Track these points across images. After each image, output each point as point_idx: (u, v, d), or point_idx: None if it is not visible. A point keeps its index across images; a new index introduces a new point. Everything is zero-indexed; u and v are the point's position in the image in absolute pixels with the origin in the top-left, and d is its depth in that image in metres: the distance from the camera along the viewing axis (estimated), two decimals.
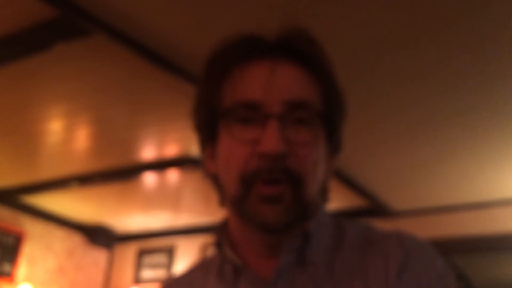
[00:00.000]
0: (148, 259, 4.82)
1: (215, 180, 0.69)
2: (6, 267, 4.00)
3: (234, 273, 0.66)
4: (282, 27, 0.67)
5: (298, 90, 0.64)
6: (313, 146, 0.63)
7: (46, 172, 3.59)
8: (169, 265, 4.66)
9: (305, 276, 0.63)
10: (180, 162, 3.26)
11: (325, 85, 0.66)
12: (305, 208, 0.63)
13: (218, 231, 0.70)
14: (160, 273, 4.66)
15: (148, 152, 3.24)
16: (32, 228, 4.29)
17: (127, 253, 4.96)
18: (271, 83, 0.63)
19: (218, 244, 0.69)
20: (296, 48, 0.65)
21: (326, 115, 0.65)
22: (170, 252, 4.72)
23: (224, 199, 0.69)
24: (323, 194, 0.69)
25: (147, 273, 4.75)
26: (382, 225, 0.72)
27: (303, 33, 0.67)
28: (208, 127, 0.67)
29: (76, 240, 4.69)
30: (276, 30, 0.67)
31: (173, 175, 3.58)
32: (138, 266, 4.83)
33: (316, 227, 0.66)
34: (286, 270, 0.63)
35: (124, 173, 3.50)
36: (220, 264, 0.69)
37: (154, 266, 4.75)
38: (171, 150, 3.19)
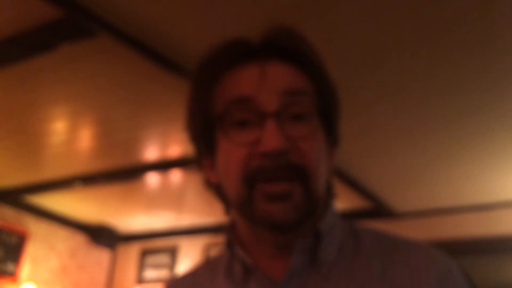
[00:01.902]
0: (151, 259, 4.82)
1: (218, 190, 0.68)
2: (10, 267, 4.01)
3: (244, 273, 0.65)
4: (268, 28, 0.67)
5: (291, 81, 0.64)
6: (313, 139, 0.63)
7: (50, 172, 3.60)
8: (172, 265, 4.67)
9: (318, 277, 0.62)
10: (183, 162, 3.27)
11: (317, 78, 0.66)
12: (315, 203, 0.62)
13: (228, 230, 0.69)
14: (163, 273, 4.67)
15: (151, 153, 3.24)
16: (36, 228, 4.30)
17: (130, 253, 4.96)
18: (263, 78, 0.62)
19: (229, 244, 0.68)
20: (283, 47, 0.65)
21: (322, 106, 0.65)
22: (173, 252, 4.72)
23: (229, 208, 0.69)
24: (329, 190, 0.69)
25: (150, 273, 4.76)
26: (385, 226, 0.73)
27: (288, 31, 0.67)
28: (204, 137, 0.67)
29: (79, 240, 4.70)
30: (262, 32, 0.67)
31: (176, 175, 3.59)
32: (141, 266, 4.84)
33: (327, 227, 0.65)
34: (298, 271, 0.62)
35: (127, 173, 3.51)
36: (229, 263, 0.68)
37: (157, 266, 4.76)
38: (174, 151, 3.20)
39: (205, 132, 0.66)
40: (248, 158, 0.60)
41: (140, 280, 4.76)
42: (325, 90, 0.67)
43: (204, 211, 4.17)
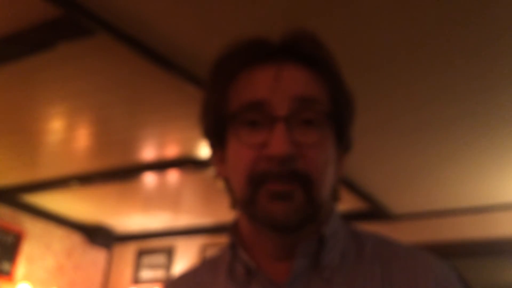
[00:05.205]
0: (147, 260, 4.82)
1: (227, 183, 0.69)
2: (5, 266, 4.00)
3: (246, 275, 0.65)
4: (287, 29, 0.67)
5: (305, 88, 0.63)
6: (321, 147, 0.63)
7: (46, 171, 3.59)
8: (168, 265, 4.66)
9: (320, 281, 0.62)
10: (180, 163, 3.27)
11: (332, 85, 0.66)
12: (317, 209, 0.63)
13: (231, 231, 0.69)
14: (159, 274, 4.66)
15: (148, 153, 3.24)
16: (32, 227, 4.29)
17: (126, 253, 4.96)
18: (277, 82, 0.62)
19: (232, 245, 0.68)
20: (301, 50, 0.65)
21: (334, 114, 0.65)
22: (169, 253, 4.71)
23: (235, 203, 0.69)
24: (334, 194, 0.70)
25: (146, 274, 4.75)
26: (381, 228, 0.73)
27: (308, 35, 0.67)
28: (216, 133, 0.67)
29: (75, 239, 4.69)
30: (281, 33, 0.67)
31: (173, 175, 3.58)
32: (137, 266, 4.83)
33: (331, 232, 0.65)
34: (301, 274, 0.63)
35: (124, 173, 3.50)
36: (231, 264, 0.68)
37: (153, 266, 4.75)
38: (172, 151, 3.19)
39: (217, 128, 0.67)
40: (256, 160, 0.61)
41: (136, 280, 4.75)
42: (340, 98, 0.66)
43: (201, 212, 4.16)
